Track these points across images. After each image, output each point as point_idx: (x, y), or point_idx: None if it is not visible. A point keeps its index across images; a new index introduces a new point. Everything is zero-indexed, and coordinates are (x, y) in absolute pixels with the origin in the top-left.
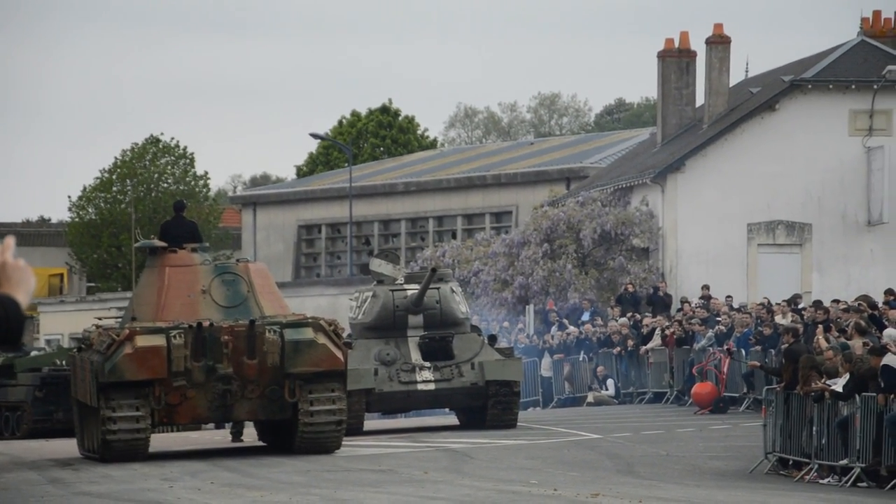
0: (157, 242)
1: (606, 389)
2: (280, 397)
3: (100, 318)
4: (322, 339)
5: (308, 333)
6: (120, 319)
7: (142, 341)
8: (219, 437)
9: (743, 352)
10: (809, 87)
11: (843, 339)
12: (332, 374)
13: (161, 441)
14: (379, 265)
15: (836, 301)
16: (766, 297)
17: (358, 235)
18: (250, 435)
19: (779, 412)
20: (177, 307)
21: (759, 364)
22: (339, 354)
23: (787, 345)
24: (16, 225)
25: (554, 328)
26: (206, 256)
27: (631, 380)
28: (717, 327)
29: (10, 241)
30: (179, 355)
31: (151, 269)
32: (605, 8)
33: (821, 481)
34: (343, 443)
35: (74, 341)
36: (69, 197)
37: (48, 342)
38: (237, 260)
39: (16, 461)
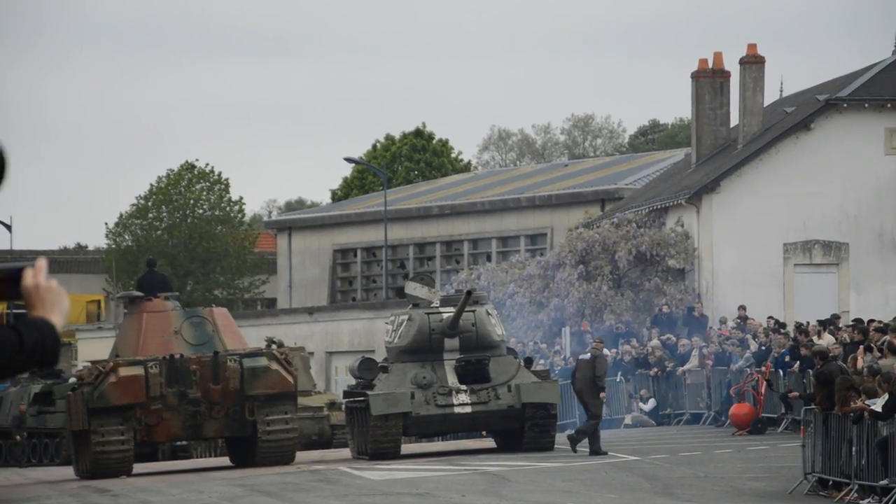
0: (136, 293)
1: (645, 404)
2: (241, 416)
3: (93, 363)
4: (275, 366)
5: (263, 361)
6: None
7: (124, 371)
8: None
9: (781, 373)
10: (845, 105)
11: (881, 359)
12: (285, 395)
13: (194, 463)
14: (414, 288)
15: (872, 321)
16: (796, 321)
17: (393, 259)
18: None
19: (818, 433)
20: (153, 345)
21: (798, 394)
22: (289, 378)
23: (818, 367)
24: (53, 252)
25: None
26: (176, 303)
27: (668, 401)
28: (749, 347)
29: (42, 263)
30: (156, 382)
31: (132, 315)
32: (638, 29)
33: (861, 502)
34: (380, 466)
35: None
36: (106, 224)
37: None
38: (203, 306)
39: (55, 488)
